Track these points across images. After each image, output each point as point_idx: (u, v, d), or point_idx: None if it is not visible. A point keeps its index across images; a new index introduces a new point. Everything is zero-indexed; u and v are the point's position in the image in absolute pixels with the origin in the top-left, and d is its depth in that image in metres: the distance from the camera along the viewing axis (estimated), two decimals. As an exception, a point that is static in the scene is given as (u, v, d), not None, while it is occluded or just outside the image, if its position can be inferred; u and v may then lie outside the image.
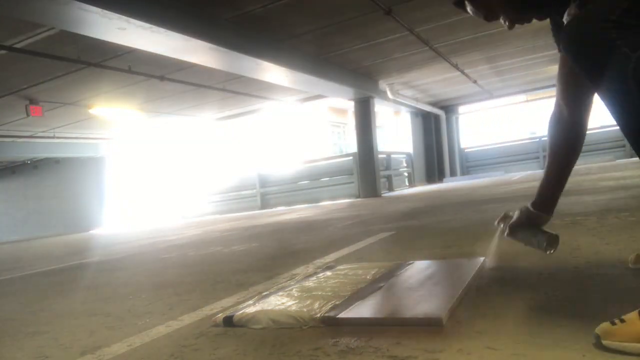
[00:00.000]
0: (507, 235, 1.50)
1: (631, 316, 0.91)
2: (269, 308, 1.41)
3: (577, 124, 1.31)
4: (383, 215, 4.96)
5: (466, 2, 1.26)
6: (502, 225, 1.54)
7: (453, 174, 14.92)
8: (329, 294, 1.51)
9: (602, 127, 13.09)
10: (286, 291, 1.62)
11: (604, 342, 0.90)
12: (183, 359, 1.19)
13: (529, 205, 1.45)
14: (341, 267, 2.01)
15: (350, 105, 11.07)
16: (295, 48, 7.12)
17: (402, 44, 7.50)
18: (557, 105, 1.32)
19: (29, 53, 5.66)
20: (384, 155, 11.45)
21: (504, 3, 1.22)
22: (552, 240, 1.42)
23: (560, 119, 1.32)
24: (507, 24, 1.25)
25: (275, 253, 3.13)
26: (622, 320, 0.91)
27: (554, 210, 1.43)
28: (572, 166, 1.37)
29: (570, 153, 1.35)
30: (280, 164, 13.05)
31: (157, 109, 10.27)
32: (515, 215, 1.48)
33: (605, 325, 0.92)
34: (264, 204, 11.46)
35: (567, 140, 1.33)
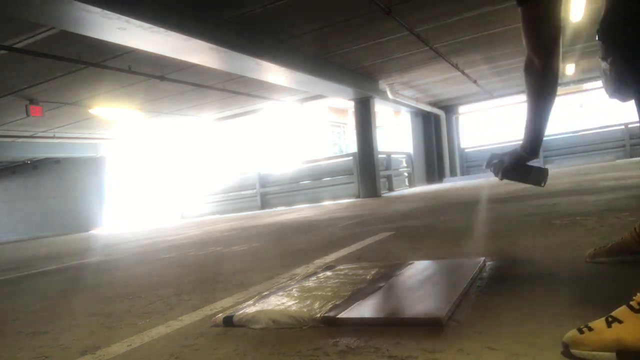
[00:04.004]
0: (501, 177, 1.61)
1: (598, 324, 0.90)
2: (269, 308, 1.41)
3: (549, 67, 1.38)
4: (383, 215, 4.96)
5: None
6: (492, 169, 1.67)
7: (453, 174, 14.91)
8: (329, 294, 1.51)
9: (602, 127, 13.11)
10: (286, 291, 1.62)
11: (573, 351, 0.89)
12: (183, 359, 1.19)
13: (518, 149, 1.56)
14: (341, 267, 2.01)
15: (350, 105, 11.07)
16: (295, 48, 7.11)
17: (402, 44, 7.49)
18: (528, 56, 1.40)
19: (29, 53, 5.66)
20: (384, 155, 11.44)
21: None
22: (545, 175, 1.56)
23: (533, 67, 1.39)
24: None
25: (275, 253, 3.13)
26: (590, 329, 0.90)
27: (539, 150, 1.54)
28: (552, 107, 1.46)
29: (549, 95, 1.43)
30: (280, 164, 13.04)
31: (157, 109, 10.27)
32: (506, 159, 1.60)
33: (572, 333, 0.91)
34: (264, 204, 11.46)
35: (543, 84, 1.41)
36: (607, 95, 1.33)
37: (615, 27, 0.99)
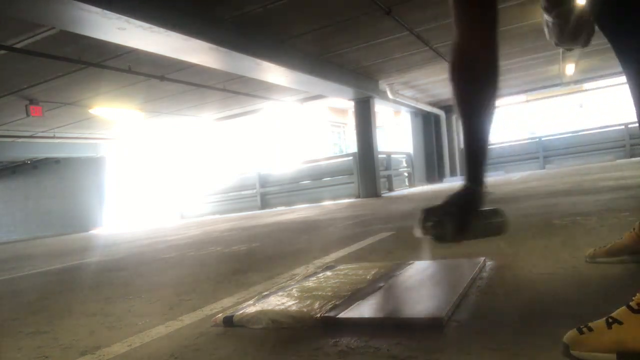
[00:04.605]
0: (455, 236, 1.19)
1: (599, 325, 0.90)
2: (269, 308, 1.41)
3: (493, 61, 1.13)
4: (383, 215, 4.96)
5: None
6: (433, 234, 1.21)
7: (453, 174, 14.91)
8: (329, 294, 1.51)
9: (602, 127, 13.11)
10: (286, 291, 1.62)
11: (573, 352, 0.88)
12: (183, 359, 1.19)
13: (461, 188, 1.18)
14: (341, 267, 2.01)
15: (350, 105, 11.07)
16: (295, 48, 7.11)
17: (402, 44, 7.49)
18: (459, 46, 1.14)
19: (29, 53, 5.66)
20: (384, 155, 11.44)
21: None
22: (504, 219, 1.20)
23: (471, 62, 1.13)
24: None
25: (275, 253, 3.13)
26: (590, 329, 0.89)
27: (485, 175, 1.20)
28: (491, 119, 1.18)
29: (489, 100, 1.16)
30: (280, 164, 13.04)
31: (157, 109, 10.27)
32: (454, 209, 1.17)
33: (573, 333, 0.90)
34: (264, 204, 11.46)
35: (485, 83, 1.15)
36: (552, 43, 1.31)
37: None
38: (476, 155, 1.18)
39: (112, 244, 6.48)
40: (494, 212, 1.21)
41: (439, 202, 1.18)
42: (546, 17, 1.22)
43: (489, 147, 1.19)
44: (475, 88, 1.14)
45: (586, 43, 1.25)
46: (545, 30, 1.30)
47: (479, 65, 1.11)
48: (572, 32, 1.20)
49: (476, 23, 1.10)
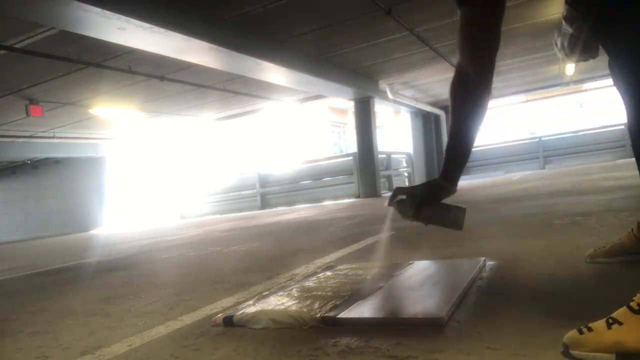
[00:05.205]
0: (414, 216, 1.32)
1: (599, 325, 0.89)
2: (269, 308, 1.41)
3: (484, 82, 1.27)
4: (383, 215, 4.96)
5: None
6: (398, 207, 1.35)
7: (453, 174, 14.91)
8: (329, 294, 1.51)
9: (602, 127, 13.12)
10: (286, 291, 1.62)
11: (572, 351, 0.88)
12: (183, 359, 1.19)
13: (435, 179, 1.33)
14: (341, 267, 2.01)
15: (350, 105, 11.07)
16: (295, 48, 7.12)
17: (402, 44, 7.50)
18: (461, 68, 1.27)
19: (29, 53, 5.66)
20: (384, 155, 11.45)
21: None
22: (464, 215, 1.32)
23: (466, 80, 1.26)
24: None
25: (275, 253, 3.13)
26: (590, 329, 0.89)
27: (459, 179, 1.34)
28: (480, 126, 1.29)
29: (481, 112, 1.29)
30: (280, 164, 13.05)
31: (157, 109, 10.27)
32: (418, 192, 1.33)
33: (573, 334, 0.90)
34: (264, 204, 11.46)
35: (475, 100, 1.28)
36: (563, 53, 1.34)
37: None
38: (458, 158, 1.33)
39: (112, 244, 6.48)
40: (455, 208, 1.33)
41: (417, 187, 1.35)
42: (564, 27, 1.23)
43: (469, 154, 1.33)
44: (466, 103, 1.29)
45: (595, 54, 1.29)
46: (558, 40, 1.31)
47: (473, 84, 1.26)
48: (586, 43, 1.26)
49: (476, 49, 1.25)
